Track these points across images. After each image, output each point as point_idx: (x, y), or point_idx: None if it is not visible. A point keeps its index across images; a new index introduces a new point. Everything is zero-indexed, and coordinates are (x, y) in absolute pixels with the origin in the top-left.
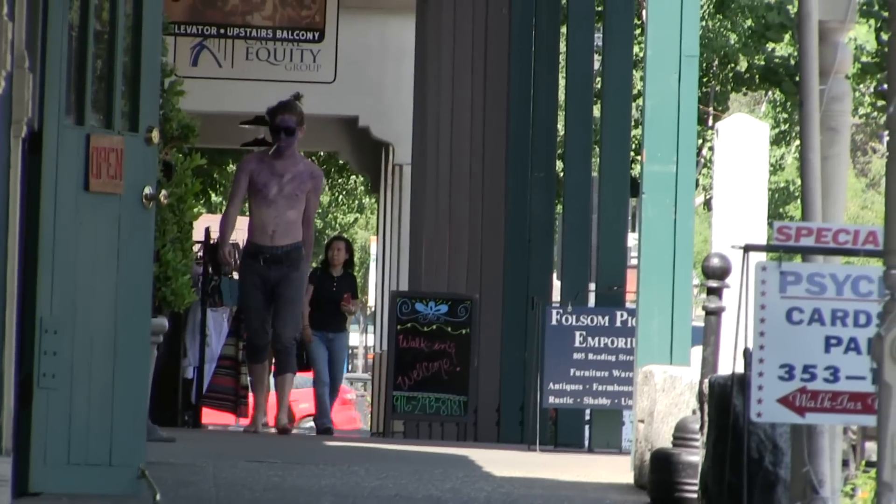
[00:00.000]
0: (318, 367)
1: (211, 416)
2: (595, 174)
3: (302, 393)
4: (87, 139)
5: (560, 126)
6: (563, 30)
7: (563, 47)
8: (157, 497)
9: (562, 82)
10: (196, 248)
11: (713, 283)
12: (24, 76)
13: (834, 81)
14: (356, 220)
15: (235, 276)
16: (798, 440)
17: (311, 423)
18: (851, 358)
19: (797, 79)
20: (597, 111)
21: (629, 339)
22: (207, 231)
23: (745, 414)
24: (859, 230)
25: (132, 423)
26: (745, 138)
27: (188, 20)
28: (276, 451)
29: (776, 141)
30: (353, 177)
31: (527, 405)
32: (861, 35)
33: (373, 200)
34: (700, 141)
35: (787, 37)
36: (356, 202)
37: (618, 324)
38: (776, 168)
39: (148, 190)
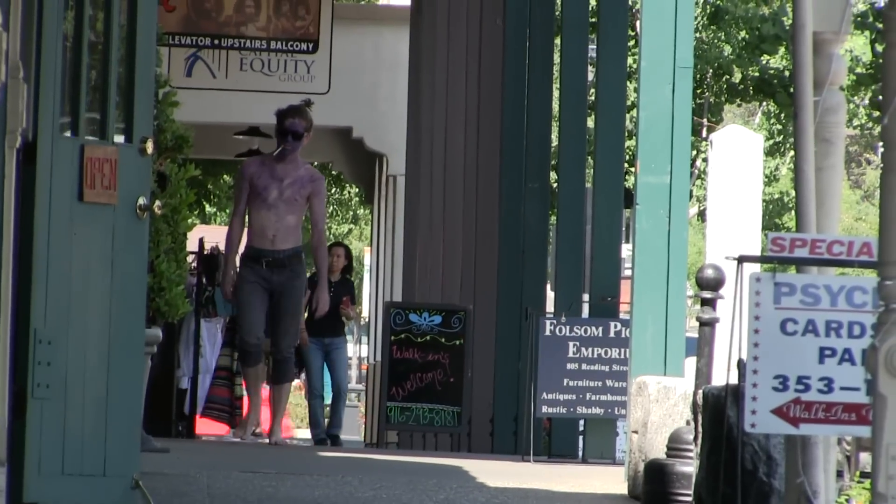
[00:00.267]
0: (312, 378)
1: (205, 427)
2: (589, 185)
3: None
4: (82, 150)
5: (554, 137)
6: (557, 41)
7: (557, 58)
8: None
9: (556, 93)
10: (190, 258)
11: (707, 294)
12: (18, 86)
13: (828, 93)
14: (350, 230)
15: None
16: (792, 451)
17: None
18: (846, 369)
19: (791, 90)
20: (591, 122)
21: (623, 350)
22: (201, 241)
23: (739, 425)
24: (854, 241)
25: (126, 433)
26: (739, 149)
27: (182, 31)
28: (270, 461)
29: (770, 152)
30: (348, 187)
31: (520, 416)
32: (857, 46)
33: (367, 211)
34: (694, 152)
35: (781, 48)
36: (350, 213)
37: (612, 334)
38: (771, 179)
39: (142, 200)
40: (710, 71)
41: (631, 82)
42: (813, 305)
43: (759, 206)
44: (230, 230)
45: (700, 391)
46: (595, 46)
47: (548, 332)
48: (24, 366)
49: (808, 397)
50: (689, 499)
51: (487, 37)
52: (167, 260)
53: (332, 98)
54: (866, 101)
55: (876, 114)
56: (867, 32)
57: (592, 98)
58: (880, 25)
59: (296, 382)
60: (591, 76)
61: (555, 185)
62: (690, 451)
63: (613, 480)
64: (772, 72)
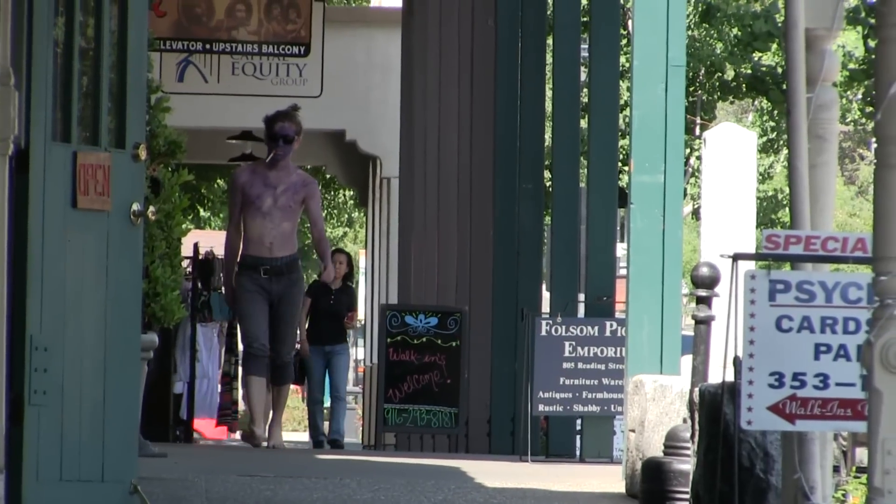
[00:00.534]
0: (312, 384)
1: (203, 428)
2: (583, 185)
3: None
4: (74, 156)
5: (547, 137)
6: (550, 41)
7: (549, 59)
8: None
9: (548, 93)
10: (185, 263)
11: (702, 292)
12: (9, 94)
13: (821, 89)
14: (345, 234)
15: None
16: (789, 447)
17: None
18: (841, 365)
19: (784, 87)
20: (584, 122)
21: (619, 349)
22: (196, 246)
23: (735, 422)
24: (848, 237)
25: (124, 438)
26: (732, 147)
27: (174, 36)
28: (267, 464)
29: (764, 149)
30: (342, 191)
31: (517, 416)
32: (850, 42)
33: (361, 214)
34: (688, 150)
35: (773, 45)
36: (345, 217)
37: (607, 334)
38: (765, 177)
39: (136, 206)
40: (703, 69)
41: (623, 81)
42: (808, 302)
43: (754, 204)
44: (228, 240)
45: (696, 389)
46: (587, 46)
47: (544, 333)
48: (21, 372)
49: (803, 394)
50: (687, 497)
51: (479, 38)
52: (162, 265)
53: (325, 101)
54: (859, 97)
55: (869, 110)
56: (859, 28)
57: (585, 98)
58: (872, 21)
59: (293, 386)
60: (583, 76)
61: (549, 184)
62: (687, 448)
63: (611, 479)
64: (764, 69)
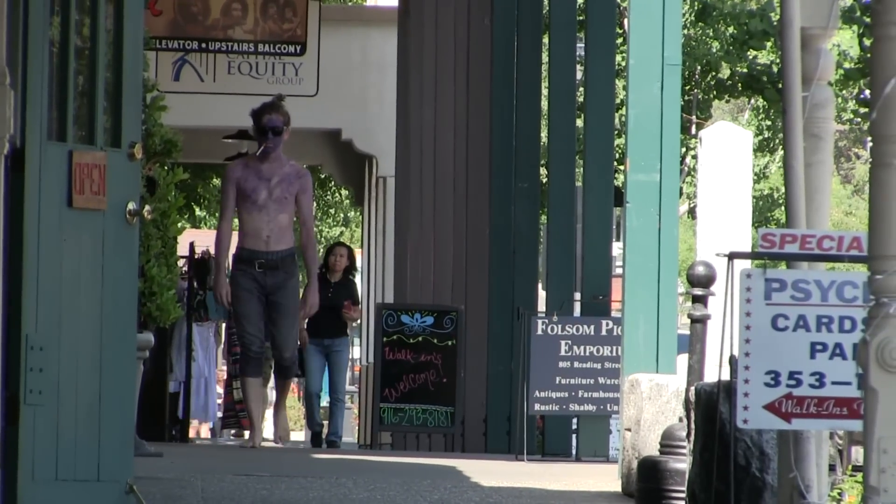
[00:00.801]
0: (310, 377)
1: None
2: (579, 184)
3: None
4: (70, 155)
5: (543, 136)
6: (545, 40)
7: (545, 57)
8: None
9: (544, 92)
10: (181, 262)
11: (698, 291)
12: (5, 93)
13: (817, 88)
14: (341, 233)
15: None
16: (785, 446)
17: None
18: (837, 363)
19: (780, 86)
20: (580, 121)
21: (615, 348)
22: (192, 246)
23: (731, 421)
24: (843, 236)
25: (119, 438)
26: (728, 146)
27: (169, 35)
28: (264, 464)
29: (760, 148)
30: (338, 190)
31: (514, 415)
32: (845, 40)
33: (357, 213)
34: (683, 149)
35: (769, 44)
36: (341, 215)
37: (603, 333)
38: (760, 176)
39: (131, 205)
40: (699, 68)
41: (619, 80)
42: (803, 301)
43: (749, 203)
44: (219, 235)
45: (692, 388)
46: (583, 45)
47: (540, 332)
48: (17, 372)
49: (799, 392)
50: (683, 496)
51: (475, 36)
52: (158, 264)
53: (321, 100)
54: (854, 96)
55: (864, 109)
56: (855, 27)
57: (581, 97)
58: (868, 20)
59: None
60: (579, 75)
61: (544, 180)
62: (683, 447)
63: (607, 478)
64: (760, 68)
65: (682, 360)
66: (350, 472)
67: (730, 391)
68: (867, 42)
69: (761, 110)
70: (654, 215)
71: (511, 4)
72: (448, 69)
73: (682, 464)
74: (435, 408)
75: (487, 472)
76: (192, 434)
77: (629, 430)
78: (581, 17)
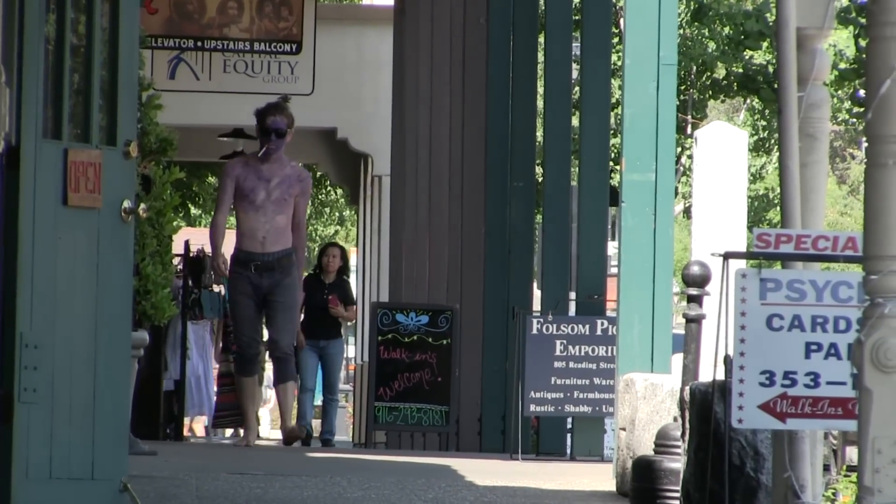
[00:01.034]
0: (304, 375)
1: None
2: (574, 183)
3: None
4: (65, 153)
5: (539, 135)
6: (541, 39)
7: (541, 57)
8: None
9: (540, 91)
10: (176, 261)
11: (693, 291)
12: (0, 90)
13: (812, 88)
14: (336, 232)
15: (216, 288)
16: (779, 446)
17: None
18: (832, 363)
19: (775, 86)
20: (575, 120)
21: (610, 348)
22: (187, 244)
23: (726, 421)
24: (838, 236)
25: (114, 436)
26: (723, 146)
27: (165, 33)
28: (258, 462)
29: (755, 148)
30: (333, 189)
31: (508, 415)
32: (841, 40)
33: (352, 212)
34: (679, 149)
35: (764, 44)
36: (336, 214)
37: (598, 332)
38: (756, 176)
39: (127, 204)
40: (695, 67)
41: (615, 80)
42: (798, 301)
43: (745, 203)
44: (213, 224)
45: (687, 388)
46: (579, 44)
47: (535, 331)
48: (11, 370)
49: (794, 392)
50: (677, 495)
51: (471, 36)
52: (153, 263)
53: (317, 99)
54: (849, 96)
55: (859, 109)
56: (850, 27)
57: (577, 96)
58: (863, 20)
59: None
60: (575, 74)
61: (540, 180)
62: (678, 447)
63: (602, 478)
64: (755, 68)
65: (677, 360)
66: (344, 470)
67: (724, 391)
68: (863, 42)
69: (757, 110)
70: (650, 215)
71: (507, 3)
72: (444, 68)
73: (677, 463)
74: (430, 407)
75: (482, 471)
76: (186, 433)
77: (624, 429)
78: (577, 17)
